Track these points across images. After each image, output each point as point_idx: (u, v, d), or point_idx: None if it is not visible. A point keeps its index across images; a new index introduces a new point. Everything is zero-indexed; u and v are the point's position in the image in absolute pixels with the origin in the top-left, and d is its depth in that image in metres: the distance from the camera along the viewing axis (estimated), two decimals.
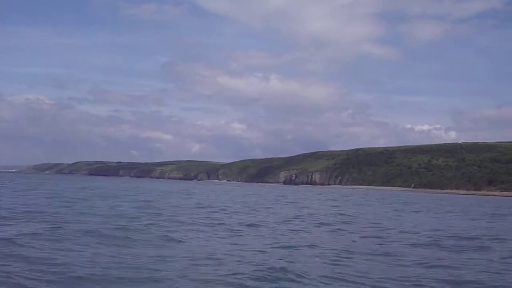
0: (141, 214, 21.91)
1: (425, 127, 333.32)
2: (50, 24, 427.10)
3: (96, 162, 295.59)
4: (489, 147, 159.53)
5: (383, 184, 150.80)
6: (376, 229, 20.05)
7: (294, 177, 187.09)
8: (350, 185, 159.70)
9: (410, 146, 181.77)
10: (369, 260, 12.26)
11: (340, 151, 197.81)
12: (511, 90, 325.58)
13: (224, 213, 25.50)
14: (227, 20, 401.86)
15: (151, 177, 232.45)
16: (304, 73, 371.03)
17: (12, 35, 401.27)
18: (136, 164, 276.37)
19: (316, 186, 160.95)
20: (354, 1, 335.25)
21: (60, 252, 11.19)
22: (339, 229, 19.63)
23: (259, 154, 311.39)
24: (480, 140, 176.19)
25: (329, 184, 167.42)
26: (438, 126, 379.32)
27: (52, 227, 14.95)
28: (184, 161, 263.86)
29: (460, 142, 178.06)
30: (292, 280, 9.55)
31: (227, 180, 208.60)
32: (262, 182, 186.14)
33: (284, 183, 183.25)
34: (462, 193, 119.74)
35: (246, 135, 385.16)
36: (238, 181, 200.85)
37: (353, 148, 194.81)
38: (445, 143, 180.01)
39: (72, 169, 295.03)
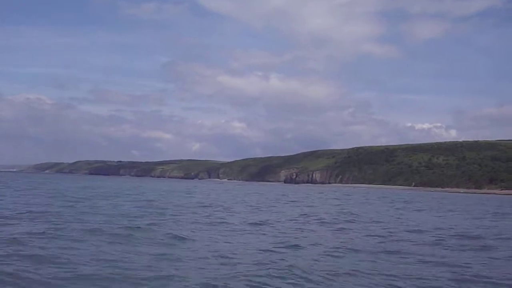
0: (144, 213, 21.94)
1: (426, 126, 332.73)
2: (50, 24, 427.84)
3: (96, 162, 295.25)
4: (490, 145, 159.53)
5: (384, 182, 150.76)
6: (380, 228, 20.07)
7: (294, 176, 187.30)
8: (351, 183, 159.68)
9: (410, 144, 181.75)
10: (374, 258, 12.30)
11: (341, 149, 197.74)
12: None
13: (227, 212, 25.53)
14: (228, 20, 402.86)
15: (152, 176, 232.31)
16: (304, 72, 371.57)
17: (12, 35, 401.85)
18: (137, 163, 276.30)
19: (316, 185, 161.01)
20: (354, 0, 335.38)
21: (64, 251, 11.20)
22: (342, 227, 19.64)
23: (259, 153, 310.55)
24: (480, 138, 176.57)
25: (329, 183, 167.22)
26: (439, 124, 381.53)
27: (55, 227, 14.99)
28: (185, 160, 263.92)
29: (460, 140, 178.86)
30: (300, 277, 9.57)
31: (228, 179, 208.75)
32: (262, 181, 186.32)
33: (285, 181, 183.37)
34: (462, 191, 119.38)
35: (246, 134, 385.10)
36: (239, 180, 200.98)
37: (354, 146, 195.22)
38: (445, 142, 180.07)
39: (73, 168, 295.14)
